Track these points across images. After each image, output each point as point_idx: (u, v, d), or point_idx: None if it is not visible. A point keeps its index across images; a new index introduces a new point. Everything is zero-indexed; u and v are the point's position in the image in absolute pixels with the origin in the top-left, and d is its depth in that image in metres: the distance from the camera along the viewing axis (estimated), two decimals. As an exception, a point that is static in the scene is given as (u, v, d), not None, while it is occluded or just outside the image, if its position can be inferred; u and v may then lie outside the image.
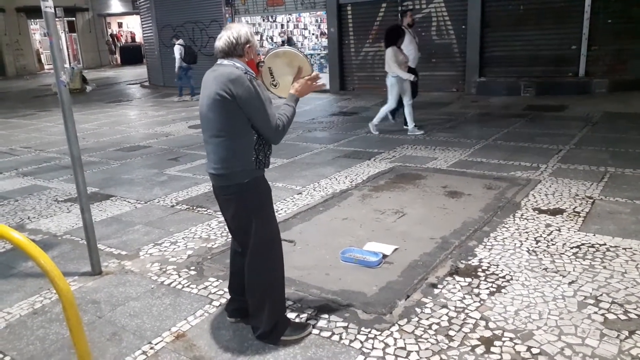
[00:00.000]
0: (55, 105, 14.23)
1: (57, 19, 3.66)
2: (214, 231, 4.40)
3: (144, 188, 5.85)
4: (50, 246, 4.23)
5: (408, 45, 8.06)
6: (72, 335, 2.24)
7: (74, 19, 31.08)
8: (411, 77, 7.72)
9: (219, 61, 2.58)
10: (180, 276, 3.59)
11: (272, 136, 2.55)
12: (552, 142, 6.82)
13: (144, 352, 2.73)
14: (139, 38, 31.92)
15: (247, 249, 2.69)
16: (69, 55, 30.45)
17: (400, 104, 8.09)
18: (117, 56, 33.12)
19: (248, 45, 2.56)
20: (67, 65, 18.75)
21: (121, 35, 34.59)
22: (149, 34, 19.17)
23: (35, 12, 27.70)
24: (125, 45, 33.32)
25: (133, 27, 33.74)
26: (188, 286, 3.44)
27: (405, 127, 8.24)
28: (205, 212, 4.89)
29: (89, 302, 3.28)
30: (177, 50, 13.57)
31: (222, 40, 2.55)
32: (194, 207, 5.07)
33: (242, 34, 2.54)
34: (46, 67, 30.34)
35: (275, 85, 2.75)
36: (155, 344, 2.79)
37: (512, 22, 11.43)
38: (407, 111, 8.01)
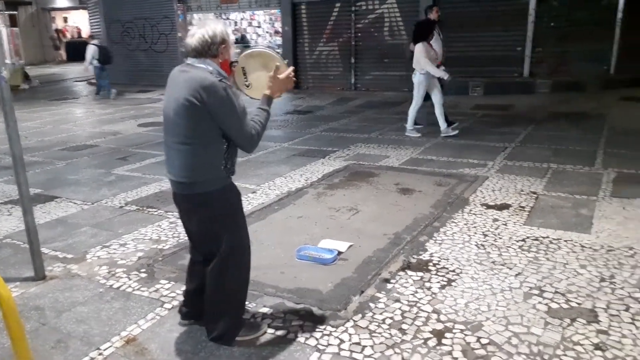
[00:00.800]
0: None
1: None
2: (165, 232, 4.30)
3: (90, 189, 5.65)
4: (-11, 251, 4.01)
5: (434, 42, 7.54)
6: (13, 344, 2.14)
7: (15, 12, 29.60)
8: (445, 75, 7.22)
9: (190, 61, 2.42)
10: (130, 279, 3.49)
11: (247, 145, 2.45)
12: (498, 140, 7.07)
13: (92, 359, 2.63)
14: (85, 34, 30.77)
15: (214, 257, 2.59)
16: (10, 50, 29.02)
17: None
18: (63, 52, 31.78)
19: (223, 46, 2.40)
20: (7, 61, 17.84)
21: (67, 31, 33.20)
22: (97, 30, 18.51)
23: (-29, 4, 26.28)
24: (71, 41, 32.01)
25: (79, 23, 32.47)
26: (138, 289, 3.34)
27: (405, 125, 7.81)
28: (156, 213, 4.78)
29: (31, 309, 3.14)
30: (90, 51, 13.42)
31: (196, 38, 2.36)
32: (144, 208, 4.93)
33: (217, 32, 2.37)
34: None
35: (248, 86, 2.64)
36: (104, 350, 2.70)
37: (462, 24, 11.72)
38: (439, 112, 7.46)
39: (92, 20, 19.01)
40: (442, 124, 7.50)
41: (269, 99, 2.55)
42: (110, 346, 2.73)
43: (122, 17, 16.96)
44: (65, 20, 33.27)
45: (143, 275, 3.54)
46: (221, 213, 2.52)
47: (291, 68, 2.62)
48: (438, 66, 7.37)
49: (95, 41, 13.97)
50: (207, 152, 2.39)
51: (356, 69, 13.25)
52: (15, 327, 2.11)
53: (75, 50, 30.47)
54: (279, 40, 14.11)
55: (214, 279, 2.62)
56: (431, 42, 7.36)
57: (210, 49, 2.37)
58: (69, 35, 32.94)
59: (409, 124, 7.73)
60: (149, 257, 3.82)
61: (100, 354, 2.66)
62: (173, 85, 2.42)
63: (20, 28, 30.10)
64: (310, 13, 13.59)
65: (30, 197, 3.55)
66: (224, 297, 2.64)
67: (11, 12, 28.78)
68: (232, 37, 2.49)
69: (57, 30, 32.55)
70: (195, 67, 2.38)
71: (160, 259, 3.79)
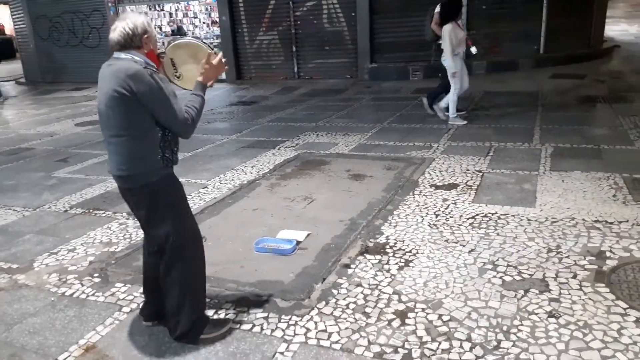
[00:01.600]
0: None
1: None
2: (116, 234, 4.16)
3: (31, 194, 5.36)
4: None
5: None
6: (-36, 363, 2.02)
7: None
8: (456, 68, 6.87)
9: (115, 54, 2.41)
10: (83, 285, 3.36)
11: (182, 131, 2.45)
12: (441, 122, 7.26)
13: (51, 371, 2.53)
14: (9, 30, 28.87)
15: (163, 250, 2.57)
16: None
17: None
18: (-17, 50, 29.70)
19: (146, 36, 2.41)
20: None
21: (-14, 27, 31.05)
22: (21, 26, 17.41)
23: None
24: (-8, 38, 29.97)
25: (1, 19, 30.45)
26: (93, 294, 3.23)
27: (431, 111, 7.51)
28: (104, 215, 4.61)
29: (-22, 325, 2.97)
30: None
31: (117, 31, 2.38)
32: (91, 210, 4.75)
33: (138, 24, 2.39)
34: None
35: (178, 77, 2.65)
36: (63, 360, 2.60)
37: (399, 9, 11.91)
38: (452, 98, 7.03)
39: (15, 16, 17.84)
40: (452, 111, 7.10)
41: (202, 86, 2.56)
42: (68, 356, 2.63)
43: (48, 12, 16.01)
44: (-17, 16, 31.08)
45: (97, 280, 3.42)
46: (163, 204, 2.51)
47: (221, 54, 2.64)
48: (468, 46, 7.04)
49: None
50: (142, 143, 2.40)
51: (298, 57, 13.20)
52: (-35, 346, 2.00)
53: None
54: (217, 30, 13.80)
55: (165, 271, 2.60)
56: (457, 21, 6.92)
57: (133, 41, 2.39)
58: (-11, 32, 30.80)
59: (452, 112, 7.10)
60: (101, 261, 3.69)
61: (58, 366, 2.56)
62: (102, 79, 2.42)
63: None
64: (247, 2, 13.35)
65: (-34, 208, 3.33)
66: (178, 290, 2.60)
67: None
68: (154, 29, 2.52)
69: (-25, 27, 30.39)
70: (121, 59, 2.39)
71: (113, 262, 3.67)
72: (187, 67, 2.62)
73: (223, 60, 2.59)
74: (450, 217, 4.04)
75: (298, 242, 3.69)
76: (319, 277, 3.21)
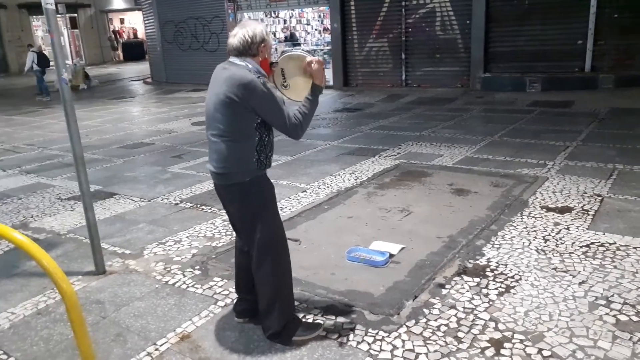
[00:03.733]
0: (58, 102, 14.21)
1: (58, 16, 3.63)
2: (218, 230, 4.36)
3: (147, 186, 5.82)
4: (54, 245, 4.20)
5: None
6: (76, 336, 2.21)
7: (76, 15, 31.02)
8: None
9: (231, 59, 2.54)
10: (184, 276, 3.55)
11: (293, 132, 2.55)
12: (558, 139, 6.76)
13: (149, 354, 2.69)
14: (141, 34, 31.85)
15: (253, 248, 2.66)
16: (71, 51, 30.48)
17: None
18: (120, 52, 33.05)
19: (263, 45, 2.52)
20: (69, 62, 18.74)
21: (123, 32, 34.50)
22: (151, 30, 19.12)
23: (37, 8, 27.54)
24: (127, 42, 33.25)
25: (135, 24, 33.66)
26: (193, 286, 3.40)
27: None
28: (209, 211, 4.86)
29: (93, 302, 3.25)
30: (30, 57, 14.87)
31: (237, 38, 2.50)
32: (198, 205, 5.03)
33: (257, 32, 2.50)
34: (51, 63, 30.32)
35: (285, 87, 2.74)
36: (160, 345, 2.76)
37: (517, 17, 11.33)
38: None
39: (147, 21, 19.64)
40: None
41: (317, 89, 2.61)
42: (165, 342, 2.79)
43: (175, 17, 17.42)
44: (122, 21, 34.58)
45: (197, 272, 3.60)
46: (254, 204, 2.60)
47: (317, 59, 2.65)
48: None
49: (34, 48, 15.53)
50: (241, 145, 2.50)
51: (407, 65, 13.04)
52: (77, 321, 2.18)
53: (132, 50, 31.72)
54: (328, 37, 14.06)
55: (255, 270, 2.68)
56: None
57: (250, 49, 2.49)
58: (125, 36, 34.19)
59: None
60: (203, 255, 3.88)
61: (156, 349, 2.72)
62: (215, 81, 2.54)
63: (80, 30, 31.61)
64: (359, 9, 13.48)
65: (90, 194, 3.68)
66: (268, 290, 2.67)
67: (71, 15, 30.24)
68: (271, 38, 2.62)
69: (114, 32, 33.89)
70: (236, 64, 2.50)
71: (213, 256, 3.85)
72: (295, 78, 2.71)
73: (325, 65, 2.66)
74: (561, 243, 3.71)
75: (391, 255, 3.61)
76: (410, 294, 3.11)
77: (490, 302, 2.98)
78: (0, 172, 6.83)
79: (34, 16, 29.56)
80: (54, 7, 3.21)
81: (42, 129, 10.33)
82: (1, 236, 2.18)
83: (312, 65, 2.59)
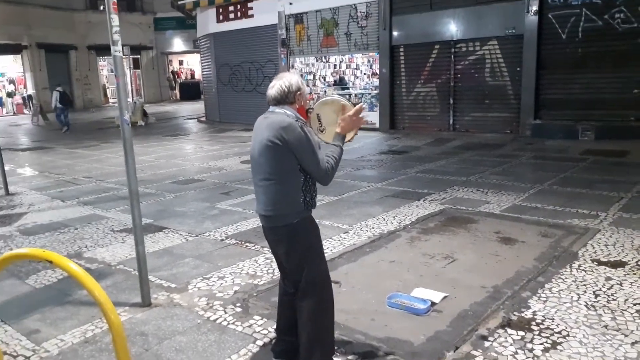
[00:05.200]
0: (117, 137, 14.95)
1: (123, 57, 3.90)
2: (261, 267, 4.43)
3: (195, 221, 6.00)
4: (104, 275, 4.38)
5: None
6: (120, 367, 2.28)
7: (138, 56, 33.01)
8: None
9: (271, 109, 2.70)
10: (226, 312, 3.61)
11: (322, 178, 2.63)
12: (612, 189, 6.52)
13: (187, 389, 2.73)
14: (197, 75, 33.39)
15: (298, 288, 2.71)
16: (132, 90, 32.28)
17: None
18: (177, 92, 34.70)
19: (299, 93, 2.68)
20: (130, 100, 19.85)
21: (181, 72, 36.29)
22: (208, 72, 20.03)
23: (104, 49, 29.65)
24: (184, 82, 34.91)
25: (193, 65, 35.36)
26: (233, 323, 3.45)
27: None
28: (253, 248, 4.95)
29: (137, 334, 3.35)
30: (54, 96, 17.66)
31: (275, 89, 2.67)
32: (243, 242, 5.13)
33: (293, 82, 2.67)
34: (111, 100, 32.18)
35: (322, 131, 2.88)
36: (199, 381, 2.80)
37: (570, 64, 11.18)
38: None
39: (204, 63, 20.61)
40: None
41: (340, 137, 2.74)
42: (205, 379, 2.83)
43: (230, 61, 18.22)
44: (180, 62, 36.41)
45: (238, 309, 3.65)
46: (301, 244, 2.67)
47: (359, 105, 2.78)
48: None
49: (59, 88, 17.97)
50: (287, 186, 2.61)
51: (455, 109, 13.03)
52: (122, 352, 2.26)
53: (188, 90, 33.27)
54: (376, 82, 14.30)
55: (299, 314, 2.72)
56: None
57: (287, 97, 2.66)
58: (183, 77, 35.92)
59: None
60: (245, 292, 3.94)
61: (195, 386, 2.76)
62: (257, 130, 2.71)
63: (142, 70, 33.53)
64: (408, 55, 13.69)
65: (142, 228, 3.84)
66: (309, 331, 2.69)
67: (135, 56, 32.20)
68: (305, 87, 2.78)
69: (173, 72, 35.70)
70: (275, 112, 2.67)
71: (255, 294, 3.90)
72: (331, 122, 2.83)
73: (362, 113, 2.75)
74: (613, 299, 3.54)
75: (433, 303, 3.55)
76: (451, 345, 3.04)
77: (535, 358, 2.87)
78: (60, 203, 7.22)
79: (101, 57, 31.70)
80: (121, 54, 3.47)
81: (101, 162, 10.89)
82: (58, 266, 2.32)
83: (347, 114, 2.71)
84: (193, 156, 11.55)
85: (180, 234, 5.51)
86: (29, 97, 24.51)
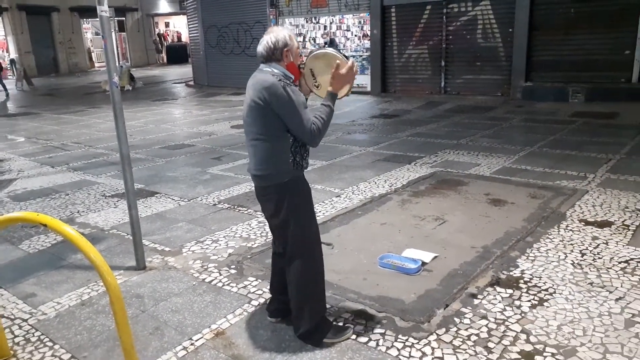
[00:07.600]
0: (104, 102, 14.77)
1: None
2: (254, 231, 4.47)
3: (187, 186, 6.00)
4: (97, 240, 4.40)
5: None
6: (118, 328, 2.33)
7: (123, 18, 32.14)
8: None
9: (260, 66, 2.65)
10: (220, 274, 3.67)
11: (308, 139, 2.58)
12: (601, 151, 6.59)
13: (185, 348, 2.80)
14: (185, 37, 32.69)
15: (286, 248, 2.74)
16: (118, 54, 31.58)
17: None
18: (164, 55, 34.00)
19: (286, 49, 2.59)
20: (116, 64, 19.45)
21: (168, 35, 35.50)
22: (195, 34, 19.60)
23: (87, 11, 28.83)
24: (171, 45, 34.18)
25: (179, 27, 34.59)
26: (228, 284, 3.50)
27: None
28: (246, 212, 4.98)
29: (133, 296, 3.40)
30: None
31: (262, 45, 2.61)
32: (235, 207, 5.16)
33: (279, 37, 2.58)
34: (97, 64, 31.49)
35: (317, 87, 2.78)
36: (196, 340, 2.86)
37: (562, 25, 11.09)
38: None
39: (191, 25, 20.15)
40: None
41: (332, 95, 2.66)
42: (201, 337, 2.89)
43: (218, 22, 17.81)
44: (167, 25, 35.57)
45: (233, 271, 3.71)
46: (290, 205, 2.66)
47: (351, 60, 2.67)
48: None
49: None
50: (275, 147, 2.59)
51: (446, 72, 12.95)
52: (120, 313, 2.31)
53: (175, 54, 32.60)
54: (367, 43, 14.11)
55: (288, 272, 2.76)
56: None
57: (274, 54, 2.59)
58: (169, 39, 35.15)
59: None
60: (239, 254, 3.99)
61: (192, 344, 2.83)
62: (247, 90, 2.66)
63: (127, 33, 32.73)
64: (400, 16, 13.47)
65: (134, 193, 3.84)
66: (299, 290, 2.74)
67: (119, 18, 31.35)
68: (295, 42, 2.66)
69: (159, 35, 34.89)
70: (262, 71, 2.61)
71: (249, 256, 3.95)
72: (325, 77, 2.72)
73: (355, 68, 2.65)
74: (599, 258, 3.64)
75: (424, 263, 3.62)
76: (441, 303, 3.12)
77: (523, 314, 2.96)
78: (49, 169, 7.17)
79: (85, 19, 30.81)
80: (108, 14, 3.39)
81: (89, 127, 10.76)
82: (52, 229, 2.33)
83: (340, 69, 2.61)
84: (182, 121, 11.44)
85: (173, 199, 5.52)
86: (12, 61, 23.90)
